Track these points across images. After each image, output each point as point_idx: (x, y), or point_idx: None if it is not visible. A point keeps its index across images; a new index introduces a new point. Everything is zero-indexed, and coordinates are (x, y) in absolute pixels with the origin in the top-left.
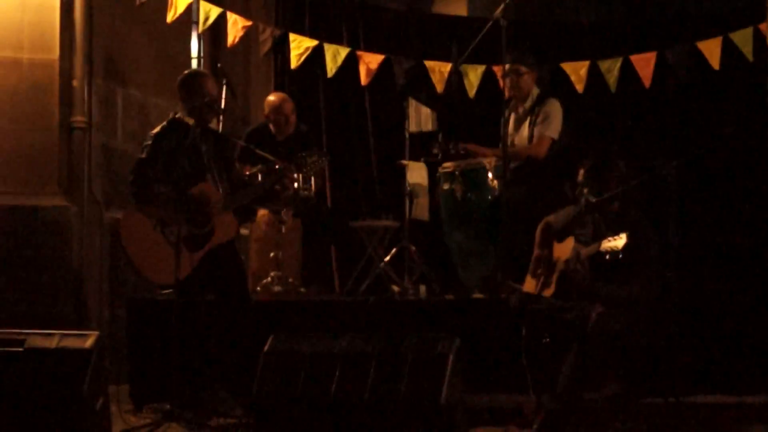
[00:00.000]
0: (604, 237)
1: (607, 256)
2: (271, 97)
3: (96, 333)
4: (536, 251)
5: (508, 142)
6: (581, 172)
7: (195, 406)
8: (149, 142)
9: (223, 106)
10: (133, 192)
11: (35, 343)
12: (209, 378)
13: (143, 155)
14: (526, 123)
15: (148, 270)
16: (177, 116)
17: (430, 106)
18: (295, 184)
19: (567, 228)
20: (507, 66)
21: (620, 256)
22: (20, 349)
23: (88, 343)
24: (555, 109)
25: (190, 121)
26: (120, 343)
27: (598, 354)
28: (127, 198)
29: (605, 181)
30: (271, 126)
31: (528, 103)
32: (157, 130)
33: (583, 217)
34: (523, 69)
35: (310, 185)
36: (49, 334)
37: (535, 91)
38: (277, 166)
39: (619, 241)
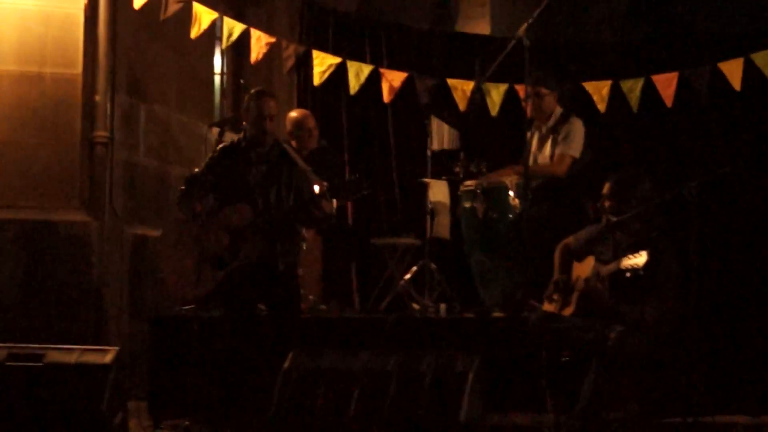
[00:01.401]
0: (623, 255)
1: (628, 274)
2: (293, 113)
3: (115, 348)
4: (555, 275)
5: (531, 161)
6: (607, 185)
7: (214, 423)
8: (207, 158)
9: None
10: (177, 205)
11: (55, 358)
12: (229, 394)
13: (197, 170)
14: (549, 142)
15: (175, 284)
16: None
17: (452, 124)
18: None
19: (587, 247)
20: (529, 89)
21: (641, 273)
22: (40, 364)
23: (108, 358)
24: (577, 128)
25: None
26: (139, 359)
27: (617, 373)
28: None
29: (628, 197)
30: (293, 142)
31: (551, 122)
32: (223, 145)
33: (604, 236)
34: (544, 91)
35: (332, 202)
36: (69, 350)
37: (558, 110)
38: (314, 191)
39: (640, 259)
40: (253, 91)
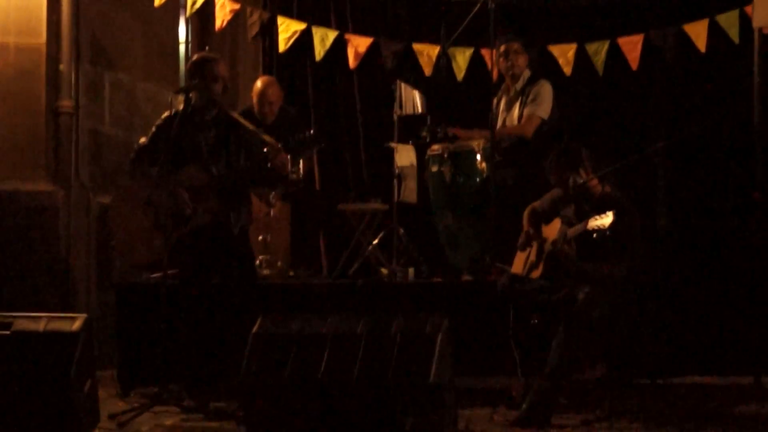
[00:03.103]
0: (588, 217)
1: (594, 235)
2: (258, 83)
3: (84, 315)
4: (525, 229)
5: (499, 123)
6: (549, 158)
7: (183, 389)
8: (153, 128)
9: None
10: (128, 172)
11: (22, 325)
12: (197, 360)
13: (145, 140)
14: (517, 104)
15: (129, 249)
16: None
17: (418, 88)
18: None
19: (552, 209)
20: (503, 47)
21: (607, 233)
22: (7, 332)
23: (76, 325)
24: (546, 90)
25: (179, 105)
26: (107, 329)
27: (584, 334)
28: (122, 180)
29: (571, 169)
30: (257, 110)
31: (519, 84)
32: (166, 114)
33: (568, 198)
34: (519, 48)
35: (299, 168)
36: (37, 317)
37: (527, 73)
38: (265, 149)
39: (606, 219)
40: (197, 57)
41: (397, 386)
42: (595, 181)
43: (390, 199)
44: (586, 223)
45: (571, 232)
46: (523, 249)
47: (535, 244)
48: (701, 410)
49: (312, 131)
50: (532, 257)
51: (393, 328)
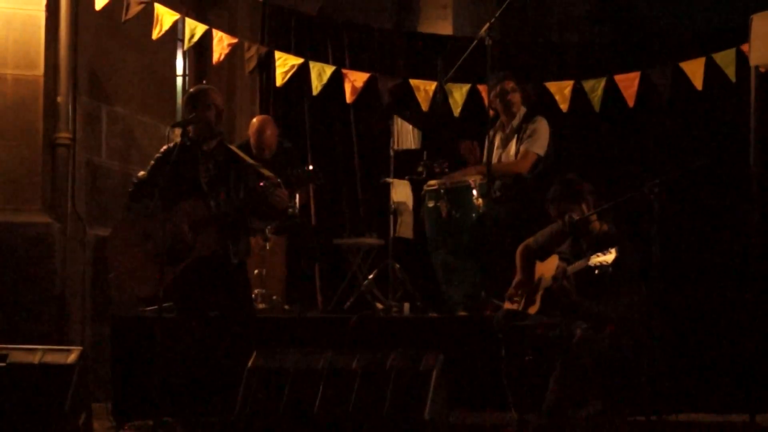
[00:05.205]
0: (584, 254)
1: (596, 271)
2: (255, 122)
3: (79, 348)
4: (517, 276)
5: (495, 159)
6: (551, 190)
7: (178, 424)
8: (152, 161)
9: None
10: (127, 205)
11: (18, 358)
12: (192, 395)
13: (144, 174)
14: (514, 140)
15: (129, 282)
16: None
17: (415, 124)
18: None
19: (548, 246)
20: (497, 88)
21: (610, 269)
22: (2, 364)
23: (71, 358)
24: (542, 126)
25: (176, 139)
26: (102, 361)
27: (582, 371)
28: (119, 213)
29: (572, 199)
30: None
31: (516, 121)
32: (164, 147)
33: (563, 236)
34: (514, 86)
35: (295, 202)
36: (32, 350)
37: (522, 110)
38: (261, 183)
39: (609, 256)
40: (193, 89)
41: (391, 422)
42: (593, 217)
43: (386, 234)
44: (588, 259)
45: (572, 268)
46: (512, 300)
47: (529, 284)
48: None
49: (311, 166)
50: (529, 293)
51: (388, 364)
